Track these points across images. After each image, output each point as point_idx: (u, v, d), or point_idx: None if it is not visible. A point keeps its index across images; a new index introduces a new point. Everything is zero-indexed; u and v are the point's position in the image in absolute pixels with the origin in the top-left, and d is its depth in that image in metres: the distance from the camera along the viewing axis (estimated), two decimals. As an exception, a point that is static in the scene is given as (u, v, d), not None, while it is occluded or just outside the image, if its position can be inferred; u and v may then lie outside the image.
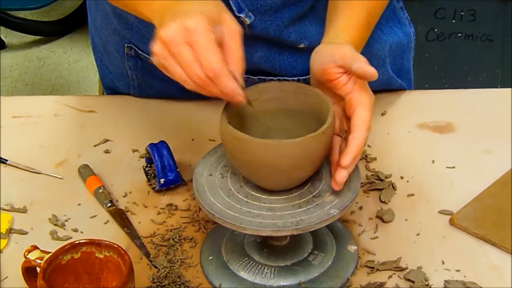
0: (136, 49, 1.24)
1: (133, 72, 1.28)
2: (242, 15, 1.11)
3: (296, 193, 0.92)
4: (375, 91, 1.28)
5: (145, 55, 1.24)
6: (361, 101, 0.90)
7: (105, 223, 1.06)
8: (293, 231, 0.87)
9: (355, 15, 1.01)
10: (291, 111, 0.95)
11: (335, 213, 0.88)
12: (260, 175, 0.91)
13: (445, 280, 0.95)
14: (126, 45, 1.25)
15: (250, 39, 1.16)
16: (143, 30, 1.21)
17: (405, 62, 1.32)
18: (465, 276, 0.96)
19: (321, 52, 0.94)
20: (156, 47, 0.86)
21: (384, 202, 1.08)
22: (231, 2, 1.11)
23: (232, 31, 0.87)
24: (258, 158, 0.87)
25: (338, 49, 0.92)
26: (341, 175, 0.88)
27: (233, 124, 0.89)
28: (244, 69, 0.87)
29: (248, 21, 1.12)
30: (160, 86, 1.28)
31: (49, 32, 3.35)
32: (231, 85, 0.85)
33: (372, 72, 0.88)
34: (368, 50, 1.23)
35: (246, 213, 0.89)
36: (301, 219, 0.88)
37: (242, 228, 0.88)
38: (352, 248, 1.00)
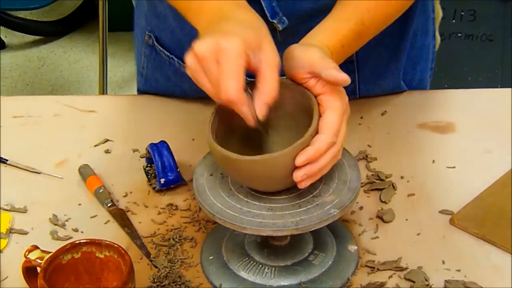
0: (155, 39, 1.24)
1: (146, 60, 1.28)
2: (275, 21, 1.10)
3: (296, 193, 0.92)
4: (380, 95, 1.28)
5: (161, 47, 1.23)
6: (330, 105, 0.88)
7: (105, 223, 1.06)
8: (293, 231, 0.87)
9: (344, 19, 0.98)
10: (277, 107, 0.94)
11: (335, 213, 0.88)
12: (255, 184, 0.91)
13: (445, 280, 0.95)
14: (147, 32, 1.25)
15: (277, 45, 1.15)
16: (173, 24, 1.20)
17: (417, 73, 1.31)
18: (465, 276, 0.96)
19: (290, 55, 0.91)
20: (189, 59, 0.86)
21: (384, 202, 1.08)
22: (264, 6, 1.09)
23: (270, 60, 0.86)
24: (251, 174, 0.88)
25: (306, 54, 0.90)
26: (296, 174, 0.86)
27: (222, 129, 0.89)
28: (275, 99, 0.87)
29: (280, 27, 1.10)
30: (165, 83, 1.28)
31: (49, 32, 3.36)
32: (244, 111, 0.86)
33: (344, 78, 0.87)
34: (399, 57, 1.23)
35: (246, 213, 0.89)
36: (301, 219, 0.88)
37: (242, 228, 0.88)
38: (353, 248, 1.00)
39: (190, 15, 0.96)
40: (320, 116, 0.88)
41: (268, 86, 0.86)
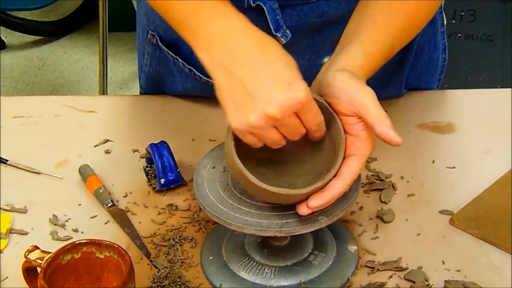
0: (159, 38, 1.24)
1: (149, 58, 1.28)
2: (278, 34, 1.07)
3: None
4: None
5: (165, 47, 1.23)
6: (360, 152, 0.87)
7: (105, 223, 1.06)
8: (276, 233, 0.87)
9: (380, 43, 0.95)
10: None
11: (322, 220, 0.88)
12: (261, 199, 0.90)
13: (445, 280, 0.95)
14: (150, 31, 1.24)
15: None
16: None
17: (422, 84, 1.30)
18: (465, 276, 0.96)
19: (339, 86, 0.88)
20: (257, 120, 0.81)
21: (384, 202, 1.08)
22: (268, 19, 1.07)
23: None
24: (262, 195, 0.87)
25: (359, 96, 0.86)
26: (302, 210, 0.86)
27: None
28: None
29: (283, 41, 1.08)
30: (169, 79, 1.28)
31: (49, 32, 3.36)
32: (322, 133, 0.88)
33: (399, 142, 0.86)
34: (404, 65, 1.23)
35: (235, 209, 0.89)
36: (286, 222, 0.87)
37: (227, 223, 0.88)
38: (353, 248, 1.00)
39: (186, 33, 0.88)
40: (344, 157, 0.87)
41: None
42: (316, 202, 0.85)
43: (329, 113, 0.88)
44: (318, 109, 0.84)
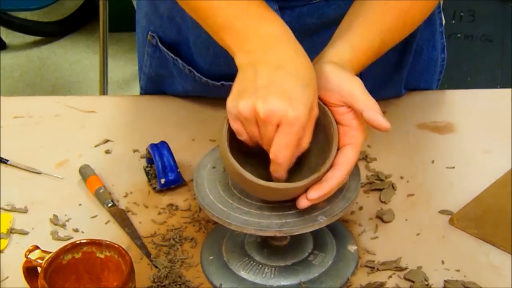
0: (158, 39, 1.24)
1: (149, 58, 1.28)
2: None
3: None
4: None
5: (165, 49, 1.23)
6: (354, 141, 0.88)
7: (106, 223, 1.07)
8: (276, 233, 0.87)
9: (370, 39, 0.95)
10: None
11: (322, 220, 0.88)
12: (259, 196, 0.91)
13: (444, 280, 0.95)
14: (150, 32, 1.25)
15: None
16: (179, 24, 1.20)
17: (421, 84, 1.31)
18: (464, 276, 0.96)
19: (323, 75, 0.89)
20: (244, 108, 0.83)
21: (384, 202, 1.08)
22: None
23: (315, 117, 0.86)
24: (260, 193, 0.88)
25: (347, 85, 0.88)
26: (301, 204, 0.87)
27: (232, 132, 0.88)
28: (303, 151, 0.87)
29: None
30: (169, 80, 1.28)
31: (50, 32, 3.36)
32: (282, 175, 0.87)
33: (386, 126, 0.86)
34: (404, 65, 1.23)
35: (235, 209, 0.89)
36: (286, 222, 0.87)
37: (227, 223, 0.88)
38: (352, 248, 1.00)
39: (229, 39, 0.90)
40: (338, 148, 0.87)
41: (307, 142, 0.86)
42: (316, 193, 0.86)
43: (320, 107, 0.88)
44: (298, 140, 0.84)
